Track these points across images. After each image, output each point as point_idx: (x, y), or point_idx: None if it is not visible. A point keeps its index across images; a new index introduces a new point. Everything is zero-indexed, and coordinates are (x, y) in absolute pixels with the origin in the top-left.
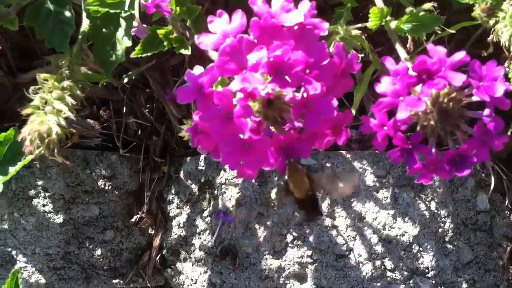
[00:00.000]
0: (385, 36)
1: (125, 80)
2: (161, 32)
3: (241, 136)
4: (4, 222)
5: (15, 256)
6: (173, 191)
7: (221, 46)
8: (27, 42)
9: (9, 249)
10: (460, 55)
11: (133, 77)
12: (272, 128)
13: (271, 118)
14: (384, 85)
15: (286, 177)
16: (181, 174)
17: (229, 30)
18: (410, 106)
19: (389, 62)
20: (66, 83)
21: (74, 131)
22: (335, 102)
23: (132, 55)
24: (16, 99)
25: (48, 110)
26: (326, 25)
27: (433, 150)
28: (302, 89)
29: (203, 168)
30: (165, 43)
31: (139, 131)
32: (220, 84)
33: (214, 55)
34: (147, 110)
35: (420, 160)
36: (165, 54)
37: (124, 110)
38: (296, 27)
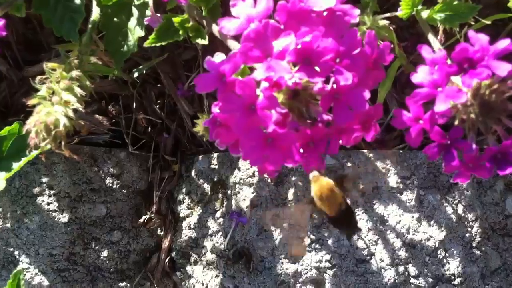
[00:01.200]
0: (408, 30)
1: (136, 74)
2: (176, 20)
3: (264, 129)
4: (6, 221)
5: (17, 257)
6: (184, 190)
7: (245, 31)
8: (33, 34)
9: (12, 249)
10: (505, 43)
11: (144, 72)
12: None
13: (296, 110)
14: (421, 75)
15: (312, 193)
16: (193, 173)
17: (254, 14)
18: (450, 98)
19: (425, 51)
20: (75, 73)
21: (83, 123)
22: (367, 94)
23: (146, 44)
24: (22, 93)
25: (56, 101)
26: (357, 11)
27: (474, 146)
28: (332, 79)
29: (216, 166)
30: (180, 32)
31: (149, 128)
32: (240, 75)
33: (233, 44)
34: (157, 106)
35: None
36: (178, 48)
37: (134, 106)
38: (325, 13)
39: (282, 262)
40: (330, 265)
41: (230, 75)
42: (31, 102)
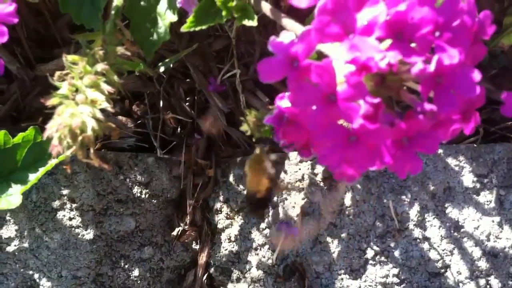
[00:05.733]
0: None
1: (161, 69)
2: None
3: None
4: (24, 240)
5: (37, 280)
6: (221, 198)
7: (320, 2)
8: (45, 28)
9: (31, 272)
10: None
11: (171, 66)
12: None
13: (385, 100)
14: None
15: (246, 167)
16: (231, 178)
17: None
18: None
19: None
20: (100, 66)
21: (114, 125)
22: (476, 76)
23: (183, 29)
24: (35, 94)
25: (80, 100)
26: None
27: None
28: (435, 58)
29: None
30: (223, 13)
31: (179, 129)
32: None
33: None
34: (187, 103)
35: None
36: (207, 38)
37: (161, 105)
38: None
39: (342, 279)
40: (398, 281)
41: (303, 59)
42: (51, 102)
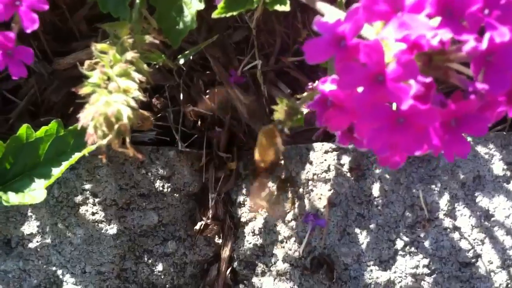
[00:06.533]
0: None
1: (181, 61)
2: None
3: (394, 107)
4: (46, 235)
5: (61, 277)
6: (243, 191)
7: None
8: (62, 21)
9: (54, 268)
10: None
11: (190, 58)
12: None
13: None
14: None
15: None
16: None
17: None
18: None
19: None
20: (130, 54)
21: (148, 114)
22: None
23: (215, 15)
24: (53, 88)
25: (114, 88)
26: None
27: None
28: (486, 36)
29: (282, 161)
30: None
31: (199, 122)
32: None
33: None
34: (207, 96)
35: None
36: (227, 29)
37: (181, 97)
38: None
39: (371, 270)
40: (429, 271)
41: (351, 38)
42: (84, 91)
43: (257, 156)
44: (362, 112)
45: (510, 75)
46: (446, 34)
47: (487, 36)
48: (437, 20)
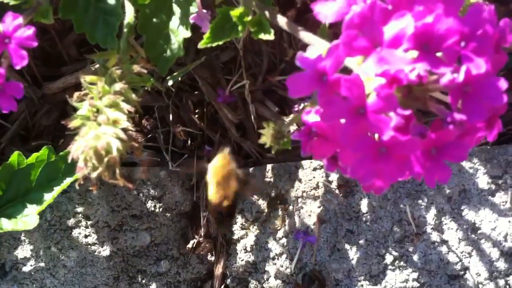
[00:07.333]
0: None
1: (170, 82)
2: (235, 14)
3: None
4: (40, 259)
5: None
6: (235, 209)
7: (347, 16)
8: (52, 46)
9: None
10: None
11: (179, 79)
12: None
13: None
14: None
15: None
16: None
17: None
18: None
19: None
20: (118, 85)
21: (137, 144)
22: (502, 84)
23: (201, 46)
24: (43, 113)
25: (103, 120)
26: None
27: None
28: (463, 68)
29: (272, 179)
30: (239, 28)
31: (189, 141)
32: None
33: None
34: (196, 116)
35: None
36: (214, 50)
37: (171, 118)
38: None
39: (362, 285)
40: (418, 285)
41: (332, 73)
42: (73, 124)
43: (216, 196)
44: (345, 142)
45: (488, 104)
46: (424, 68)
47: (463, 68)
48: (415, 53)
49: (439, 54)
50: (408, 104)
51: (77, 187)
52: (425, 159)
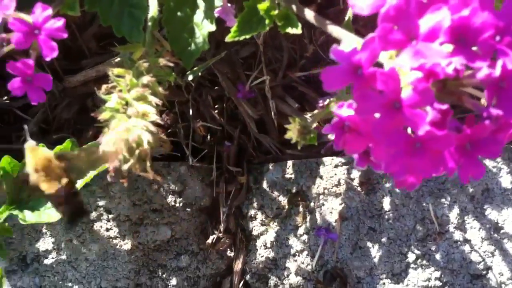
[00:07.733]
0: None
1: (190, 77)
2: (262, 7)
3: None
4: (61, 252)
5: None
6: (255, 205)
7: (382, 8)
8: (72, 40)
9: (70, 284)
10: None
11: (199, 74)
12: None
13: None
14: None
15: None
16: (264, 185)
17: None
18: None
19: None
20: (146, 78)
21: (166, 138)
22: None
23: (228, 39)
24: (64, 106)
25: (132, 113)
26: None
27: None
28: (499, 63)
29: (293, 176)
30: (266, 22)
31: (208, 137)
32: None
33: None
34: (216, 111)
35: None
36: (234, 45)
37: (191, 113)
38: None
39: (384, 283)
40: (440, 284)
41: (368, 67)
42: (103, 116)
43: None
44: (379, 137)
45: None
46: (460, 62)
47: (499, 63)
48: (449, 47)
49: (474, 48)
50: (442, 98)
51: (99, 180)
52: (459, 155)
